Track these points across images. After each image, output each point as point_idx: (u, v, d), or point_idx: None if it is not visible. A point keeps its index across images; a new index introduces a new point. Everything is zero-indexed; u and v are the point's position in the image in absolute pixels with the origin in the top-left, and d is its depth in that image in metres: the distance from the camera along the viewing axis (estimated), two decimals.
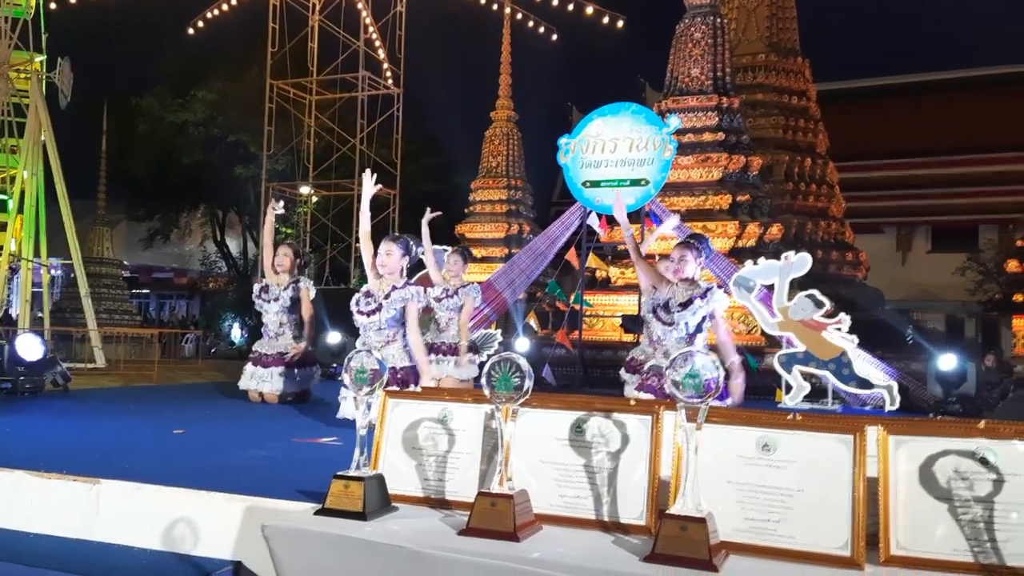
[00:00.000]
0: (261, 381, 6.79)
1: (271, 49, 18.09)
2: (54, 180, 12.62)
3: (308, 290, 6.97)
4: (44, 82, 12.82)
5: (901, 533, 2.13)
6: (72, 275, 14.68)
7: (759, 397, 8.94)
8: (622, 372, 6.56)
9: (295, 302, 6.94)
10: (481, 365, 6.85)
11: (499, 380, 2.33)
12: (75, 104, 13.76)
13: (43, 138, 12.57)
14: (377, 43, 18.94)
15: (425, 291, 5.70)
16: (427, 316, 6.80)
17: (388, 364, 3.25)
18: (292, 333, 6.97)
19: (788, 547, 2.15)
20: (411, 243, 5.38)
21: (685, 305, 5.15)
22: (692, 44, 12.27)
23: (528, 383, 2.31)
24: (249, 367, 6.95)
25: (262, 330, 7.07)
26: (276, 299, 6.90)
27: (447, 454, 2.66)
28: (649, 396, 4.98)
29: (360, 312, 5.16)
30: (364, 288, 5.29)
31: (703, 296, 5.16)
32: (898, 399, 8.09)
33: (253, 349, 7.07)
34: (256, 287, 7.11)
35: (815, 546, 2.13)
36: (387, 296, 5.12)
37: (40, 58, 12.85)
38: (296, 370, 6.86)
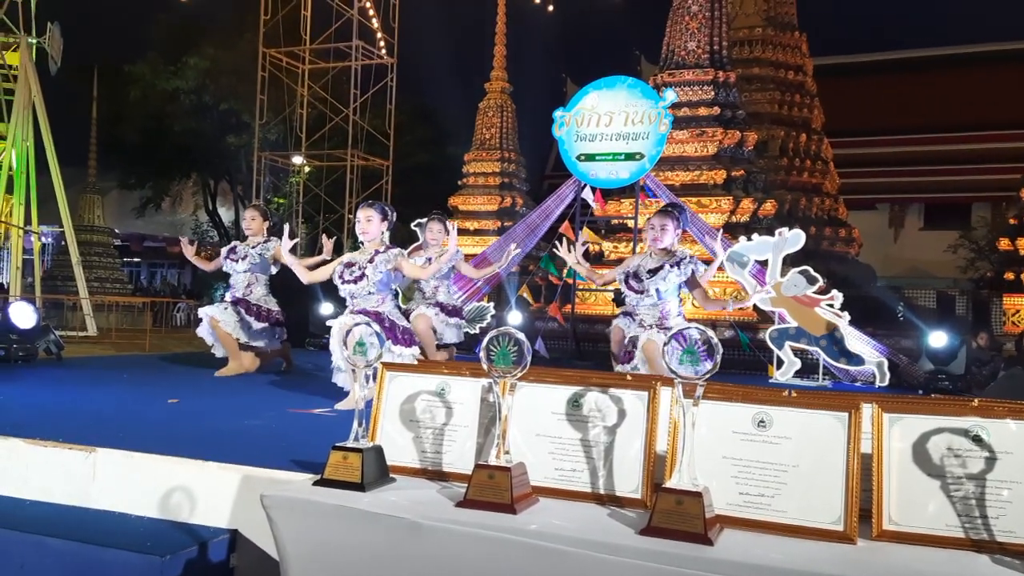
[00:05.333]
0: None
1: (264, 17, 17.85)
2: (44, 147, 12.49)
3: (280, 247, 6.67)
4: (34, 47, 12.62)
5: (894, 508, 2.15)
6: (63, 243, 14.58)
7: (751, 372, 9.00)
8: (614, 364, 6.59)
9: (264, 261, 6.73)
10: (468, 335, 6.85)
11: (498, 354, 2.34)
12: (65, 70, 13.57)
13: (33, 102, 12.42)
14: (371, 12, 18.71)
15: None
16: (412, 286, 6.74)
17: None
18: (261, 292, 6.73)
19: (782, 521, 2.17)
20: (387, 209, 5.33)
21: (654, 272, 5.15)
22: (689, 17, 12.18)
23: (526, 358, 2.32)
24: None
25: (228, 292, 6.79)
26: (244, 257, 6.74)
27: (444, 427, 2.67)
28: (639, 370, 5.00)
29: (345, 281, 5.07)
30: (344, 259, 5.20)
31: (676, 264, 5.16)
32: (888, 376, 8.15)
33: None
34: (224, 249, 6.91)
35: (809, 520, 2.15)
36: (371, 260, 5.06)
37: None
38: (253, 321, 6.56)
